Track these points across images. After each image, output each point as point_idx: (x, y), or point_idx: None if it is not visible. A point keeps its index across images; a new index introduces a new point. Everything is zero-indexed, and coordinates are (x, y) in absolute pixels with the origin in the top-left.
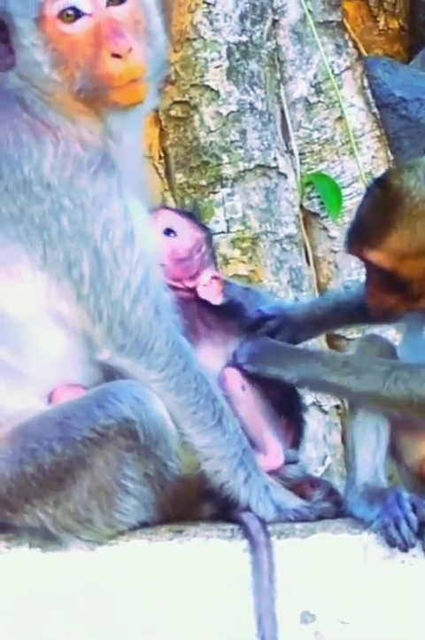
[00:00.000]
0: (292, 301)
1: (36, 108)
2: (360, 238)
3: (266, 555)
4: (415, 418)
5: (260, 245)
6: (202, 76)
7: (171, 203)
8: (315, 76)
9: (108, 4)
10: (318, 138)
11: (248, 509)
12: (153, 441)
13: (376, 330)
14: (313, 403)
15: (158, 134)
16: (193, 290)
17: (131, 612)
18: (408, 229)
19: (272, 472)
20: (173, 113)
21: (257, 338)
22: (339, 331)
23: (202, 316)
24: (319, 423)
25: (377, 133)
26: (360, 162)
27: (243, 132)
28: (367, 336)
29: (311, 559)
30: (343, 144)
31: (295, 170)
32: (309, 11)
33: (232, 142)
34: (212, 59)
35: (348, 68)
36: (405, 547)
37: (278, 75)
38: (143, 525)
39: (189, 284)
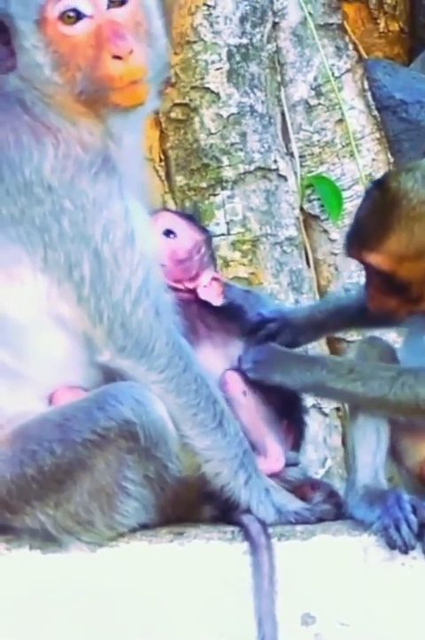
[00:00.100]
0: (292, 304)
1: (37, 110)
2: (359, 240)
3: (266, 557)
4: (420, 422)
5: (260, 248)
6: (202, 79)
7: (171, 205)
8: (315, 79)
9: (109, 6)
10: (318, 141)
11: (248, 511)
12: (153, 443)
13: (377, 332)
14: (314, 406)
15: (158, 136)
16: (193, 291)
17: (131, 614)
18: (406, 231)
19: (272, 475)
20: (173, 115)
21: (257, 341)
22: (339, 334)
23: (202, 317)
24: (319, 425)
25: (377, 135)
26: (361, 165)
27: (243, 134)
28: (368, 339)
29: (311, 561)
30: (343, 146)
31: (295, 173)
32: (309, 13)
33: (232, 144)
34: (213, 62)
35: (348, 71)
36: (406, 549)
37: (278, 78)
38: (144, 527)
39: (190, 286)
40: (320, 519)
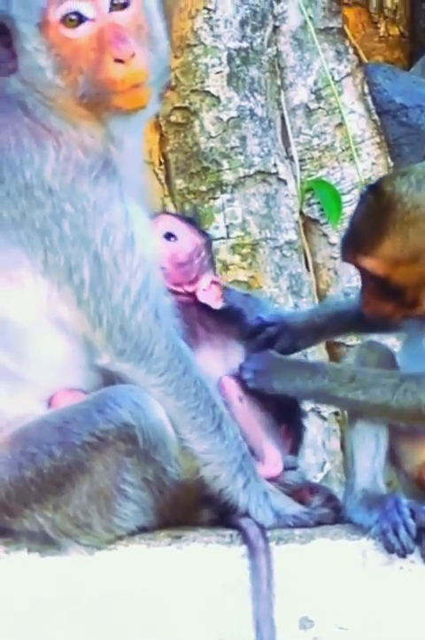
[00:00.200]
0: (292, 308)
1: (38, 113)
2: (354, 245)
3: (264, 561)
4: (419, 428)
5: (260, 252)
6: (202, 82)
7: (171, 209)
8: (315, 83)
9: (111, 10)
10: (318, 145)
11: (247, 514)
12: (152, 446)
13: (376, 337)
14: (313, 410)
15: (158, 139)
16: (193, 294)
17: (130, 616)
18: (400, 235)
19: (271, 479)
20: (173, 118)
21: (257, 345)
22: (339, 339)
23: (201, 320)
24: (318, 429)
25: (377, 140)
26: (360, 169)
27: (243, 138)
28: (367, 343)
29: (309, 565)
30: (343, 150)
31: (295, 176)
32: (310, 17)
33: (232, 148)
34: (213, 65)
35: (348, 75)
36: (404, 553)
37: (278, 82)
38: (142, 530)
39: (189, 289)
40: (319, 523)
